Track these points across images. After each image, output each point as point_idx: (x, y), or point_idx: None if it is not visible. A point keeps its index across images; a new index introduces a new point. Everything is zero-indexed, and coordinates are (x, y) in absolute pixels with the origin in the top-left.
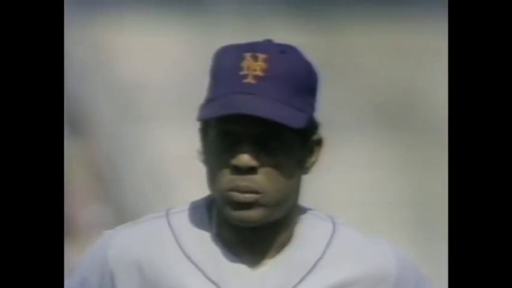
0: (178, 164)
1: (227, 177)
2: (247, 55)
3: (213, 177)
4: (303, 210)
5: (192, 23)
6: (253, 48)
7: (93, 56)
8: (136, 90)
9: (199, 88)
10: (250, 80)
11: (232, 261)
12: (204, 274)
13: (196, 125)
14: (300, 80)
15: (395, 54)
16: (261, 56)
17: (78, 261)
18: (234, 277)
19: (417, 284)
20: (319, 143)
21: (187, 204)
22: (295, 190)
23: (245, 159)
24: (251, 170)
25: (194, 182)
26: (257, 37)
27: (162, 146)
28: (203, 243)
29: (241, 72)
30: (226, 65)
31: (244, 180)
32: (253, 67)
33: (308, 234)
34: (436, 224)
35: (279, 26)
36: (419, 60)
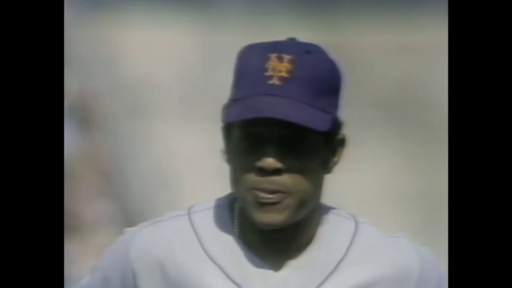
0: (183, 161)
1: (252, 179)
2: (272, 56)
3: (237, 178)
4: (325, 210)
5: (199, 19)
6: (278, 48)
7: (99, 53)
8: (142, 87)
9: (205, 85)
10: (275, 81)
11: (254, 261)
12: (227, 275)
13: (201, 122)
14: (325, 81)
15: (397, 51)
16: (286, 57)
17: (100, 257)
18: (257, 278)
19: (438, 282)
20: (342, 142)
21: (208, 202)
22: (318, 190)
23: (270, 161)
24: (276, 172)
25: (199, 179)
26: (263, 35)
27: (167, 143)
28: (225, 243)
29: (266, 73)
30: (251, 65)
31: (270, 183)
32: (278, 68)
33: (330, 234)
34: (438, 219)
35: (285, 24)
36: (420, 57)
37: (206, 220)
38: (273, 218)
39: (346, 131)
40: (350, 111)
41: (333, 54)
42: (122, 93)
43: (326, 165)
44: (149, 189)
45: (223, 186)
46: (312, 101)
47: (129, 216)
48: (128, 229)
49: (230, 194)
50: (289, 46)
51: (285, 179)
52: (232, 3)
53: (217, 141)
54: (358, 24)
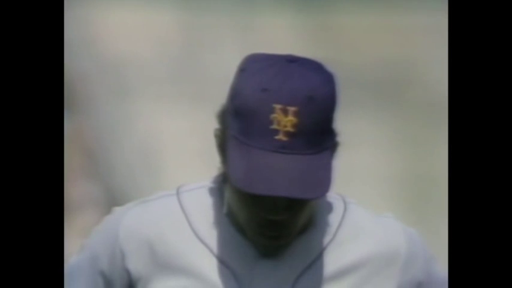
0: (167, 142)
1: (254, 221)
2: (277, 107)
3: (238, 208)
4: None
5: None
6: (281, 95)
7: (82, 33)
8: (125, 68)
9: (188, 65)
10: (281, 136)
11: (243, 243)
12: (215, 256)
13: (184, 103)
14: (328, 121)
15: (394, 31)
16: (291, 109)
17: (87, 237)
18: (245, 260)
19: (426, 262)
20: (336, 149)
21: (198, 182)
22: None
23: (274, 216)
24: (282, 219)
25: (183, 159)
26: (246, 15)
27: (150, 123)
28: (214, 225)
29: (272, 126)
30: (254, 109)
31: (273, 229)
32: (284, 122)
33: (321, 217)
34: (435, 201)
35: (270, 4)
36: (418, 37)
37: (195, 200)
38: (277, 242)
39: (342, 113)
40: (344, 92)
41: (329, 67)
42: (105, 73)
43: None
44: (133, 169)
45: (206, 167)
46: (317, 146)
47: (112, 196)
48: (116, 208)
49: (220, 175)
50: (292, 93)
51: (290, 218)
52: None
53: (200, 121)
54: (352, 3)
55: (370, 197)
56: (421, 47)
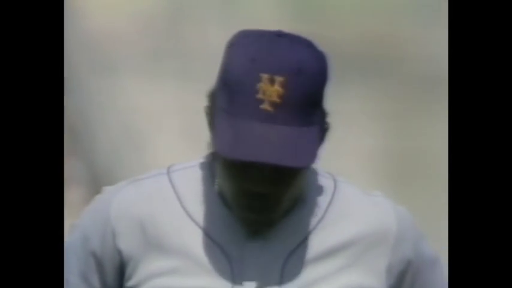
0: (151, 118)
1: (241, 195)
2: (264, 77)
3: (226, 181)
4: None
5: None
6: (269, 66)
7: (64, 8)
8: (107, 43)
9: (171, 40)
10: (266, 106)
11: (233, 223)
12: (206, 234)
13: (168, 79)
14: (317, 96)
15: (393, 6)
16: (278, 79)
17: (79, 216)
18: (235, 239)
19: (415, 241)
20: (327, 130)
21: (188, 161)
22: (304, 178)
23: (260, 187)
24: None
25: (167, 136)
26: None
27: (134, 100)
28: (205, 204)
29: (258, 96)
30: (241, 78)
31: (260, 201)
32: (269, 92)
33: (310, 196)
34: (434, 177)
35: None
36: (418, 11)
37: (186, 179)
38: (261, 220)
39: (336, 88)
40: (341, 66)
41: (320, 46)
42: (88, 48)
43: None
44: (116, 146)
45: (191, 144)
46: (304, 120)
47: (96, 174)
48: (107, 188)
49: (210, 154)
50: (281, 63)
51: (275, 193)
52: None
53: (185, 98)
54: None
55: (365, 175)
56: (420, 22)
